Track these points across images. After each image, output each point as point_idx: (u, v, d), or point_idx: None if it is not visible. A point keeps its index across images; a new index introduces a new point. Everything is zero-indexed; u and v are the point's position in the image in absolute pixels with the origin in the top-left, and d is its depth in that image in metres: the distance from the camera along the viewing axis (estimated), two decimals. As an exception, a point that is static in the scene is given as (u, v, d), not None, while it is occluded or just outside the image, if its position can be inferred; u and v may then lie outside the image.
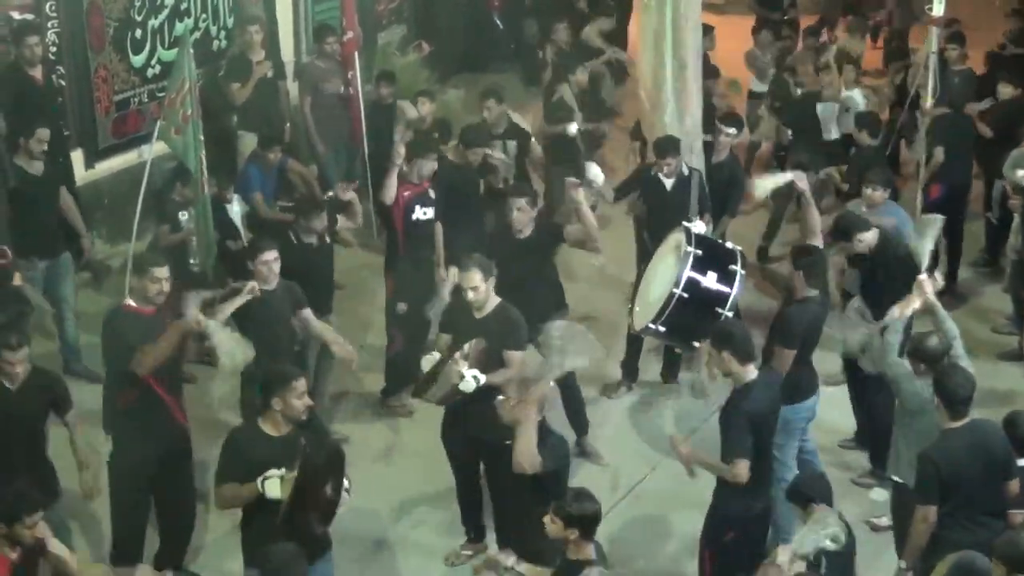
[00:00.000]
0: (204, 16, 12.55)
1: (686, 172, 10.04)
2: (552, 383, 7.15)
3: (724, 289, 8.46)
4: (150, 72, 11.97)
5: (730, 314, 8.40)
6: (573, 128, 11.71)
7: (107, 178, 11.41)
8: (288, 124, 12.34)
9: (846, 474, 9.09)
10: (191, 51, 9.77)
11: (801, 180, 8.78)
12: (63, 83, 11.08)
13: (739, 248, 8.84)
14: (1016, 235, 10.59)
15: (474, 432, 7.91)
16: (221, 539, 8.22)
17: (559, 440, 7.23)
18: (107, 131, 11.71)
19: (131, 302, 7.58)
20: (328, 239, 9.39)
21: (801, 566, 6.22)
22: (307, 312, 8.50)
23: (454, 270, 8.75)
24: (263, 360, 7.83)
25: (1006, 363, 10.59)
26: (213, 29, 12.70)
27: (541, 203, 9.57)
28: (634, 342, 9.97)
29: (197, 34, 12.33)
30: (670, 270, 8.62)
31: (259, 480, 6.47)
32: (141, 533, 7.81)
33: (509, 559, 8.00)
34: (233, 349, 7.55)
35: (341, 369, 9.87)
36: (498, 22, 17.31)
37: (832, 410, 8.99)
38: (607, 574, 6.17)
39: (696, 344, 8.32)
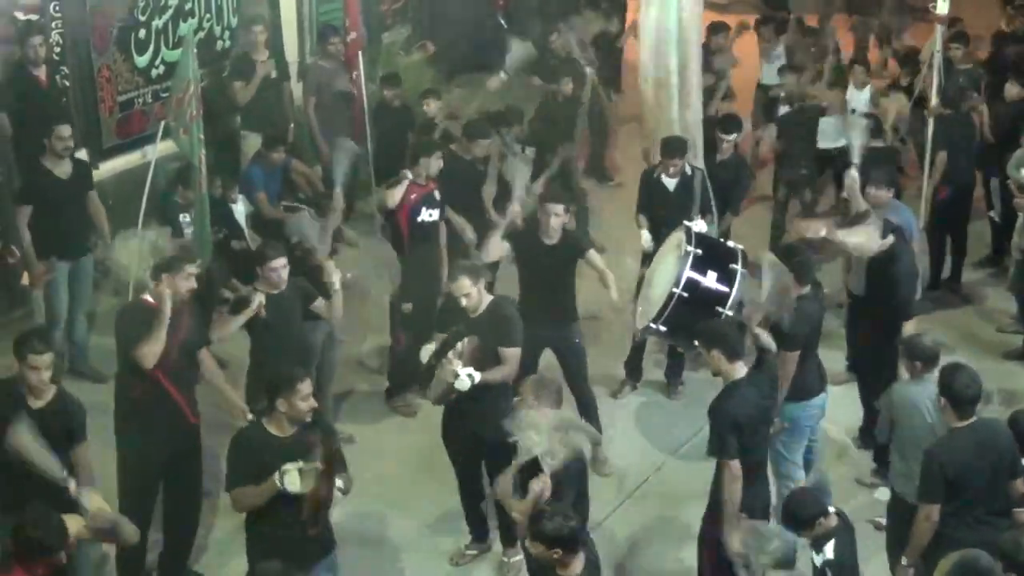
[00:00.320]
0: (208, 16, 12.55)
1: (689, 172, 10.04)
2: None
3: (725, 288, 8.45)
4: (154, 72, 11.96)
5: (731, 313, 8.40)
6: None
7: (111, 178, 11.40)
8: (292, 124, 12.35)
9: (851, 473, 9.09)
10: (194, 51, 9.77)
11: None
12: (67, 83, 11.07)
13: (741, 247, 8.84)
14: (1020, 234, 10.58)
15: (474, 430, 7.92)
16: (225, 539, 8.23)
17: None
18: (111, 131, 11.71)
19: (149, 297, 7.56)
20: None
21: None
22: (320, 302, 8.52)
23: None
24: (271, 362, 7.86)
25: (1011, 362, 10.58)
26: (217, 29, 12.70)
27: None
28: (637, 342, 9.97)
29: (201, 34, 12.33)
30: (671, 270, 8.62)
31: (277, 475, 6.45)
32: (146, 528, 7.79)
33: (515, 557, 8.03)
34: None
35: (346, 369, 9.91)
36: (503, 22, 17.30)
37: (836, 409, 8.97)
38: None
39: (697, 343, 8.30)
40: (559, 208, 8.91)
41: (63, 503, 6.39)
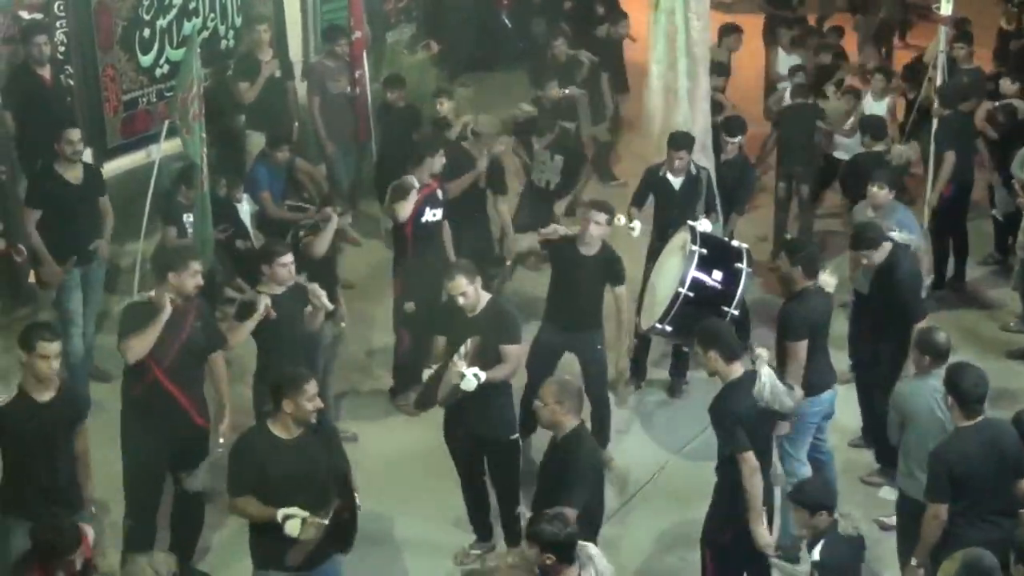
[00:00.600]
0: (212, 15, 12.56)
1: (694, 171, 10.04)
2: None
3: (729, 288, 8.45)
4: (158, 72, 11.98)
5: (736, 312, 8.39)
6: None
7: (115, 177, 11.40)
8: (296, 123, 12.35)
9: (855, 473, 9.09)
10: (198, 50, 9.77)
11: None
12: (71, 82, 11.09)
13: (745, 246, 8.85)
14: (1024, 233, 10.59)
15: (476, 430, 7.92)
16: (230, 539, 8.23)
17: (591, 451, 7.09)
18: (115, 131, 11.73)
19: (158, 296, 7.53)
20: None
21: None
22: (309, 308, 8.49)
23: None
24: (274, 363, 7.85)
25: (1015, 361, 10.57)
26: (221, 28, 12.71)
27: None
28: (642, 341, 9.97)
29: (205, 33, 12.35)
30: (676, 269, 8.62)
31: (280, 514, 6.44)
32: (151, 527, 7.83)
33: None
34: None
35: (349, 367, 9.92)
36: (507, 21, 17.30)
37: (839, 408, 8.97)
38: None
39: (694, 344, 8.30)
40: (601, 217, 8.83)
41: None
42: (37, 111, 10.24)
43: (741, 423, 6.99)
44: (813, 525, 6.61)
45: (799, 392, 7.57)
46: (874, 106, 12.56)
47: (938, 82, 11.70)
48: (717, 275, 8.52)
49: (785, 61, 13.90)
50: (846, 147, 12.24)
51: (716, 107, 11.60)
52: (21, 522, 6.76)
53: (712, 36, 12.15)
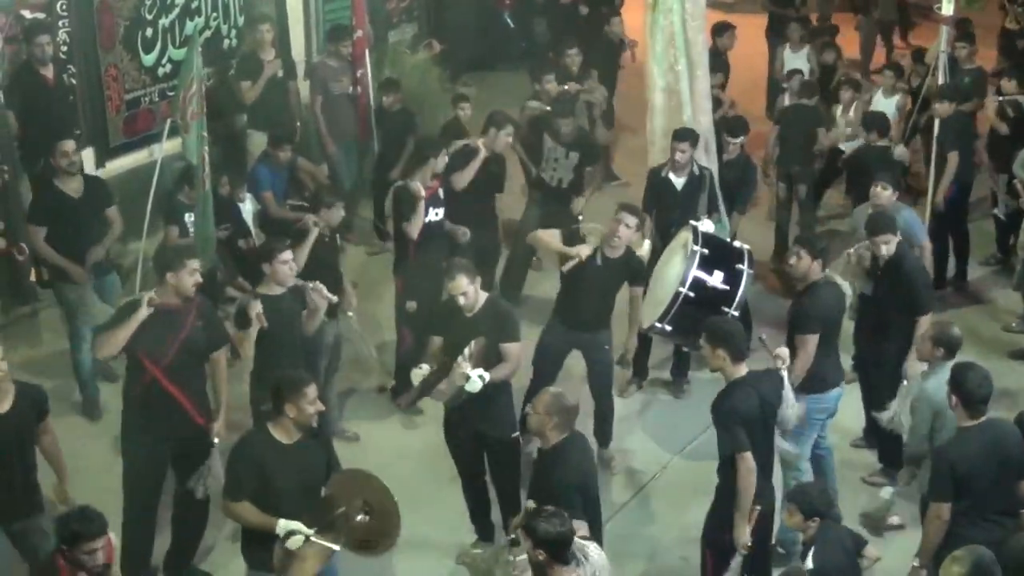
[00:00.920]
0: (215, 15, 12.57)
1: (696, 171, 10.04)
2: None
3: (730, 288, 8.45)
4: (161, 71, 12.00)
5: (736, 313, 8.40)
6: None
7: (118, 177, 11.42)
8: (299, 123, 12.35)
9: (856, 473, 9.09)
10: (199, 49, 9.78)
11: None
12: (74, 82, 11.10)
13: (747, 247, 8.85)
14: (1026, 233, 10.58)
15: (476, 429, 7.93)
16: (232, 538, 8.22)
17: (583, 448, 7.10)
18: (118, 130, 11.74)
19: (155, 296, 7.53)
20: (337, 235, 9.45)
21: None
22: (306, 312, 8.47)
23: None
24: (273, 365, 7.84)
25: (1017, 362, 10.57)
26: (224, 28, 12.72)
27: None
28: (643, 340, 9.97)
29: (208, 33, 12.36)
30: (677, 269, 8.63)
31: (282, 528, 6.41)
32: (151, 526, 7.84)
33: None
34: None
35: (351, 367, 9.92)
36: (509, 21, 17.31)
37: (843, 408, 8.97)
38: None
39: (703, 340, 8.31)
40: (632, 220, 8.81)
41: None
42: (40, 111, 10.27)
43: (743, 423, 7.00)
44: (803, 529, 6.62)
45: (802, 408, 7.58)
46: (884, 103, 12.58)
47: (940, 82, 11.69)
48: (718, 275, 8.52)
49: (791, 59, 13.91)
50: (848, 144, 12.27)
51: (714, 104, 11.60)
52: None
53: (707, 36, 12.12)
